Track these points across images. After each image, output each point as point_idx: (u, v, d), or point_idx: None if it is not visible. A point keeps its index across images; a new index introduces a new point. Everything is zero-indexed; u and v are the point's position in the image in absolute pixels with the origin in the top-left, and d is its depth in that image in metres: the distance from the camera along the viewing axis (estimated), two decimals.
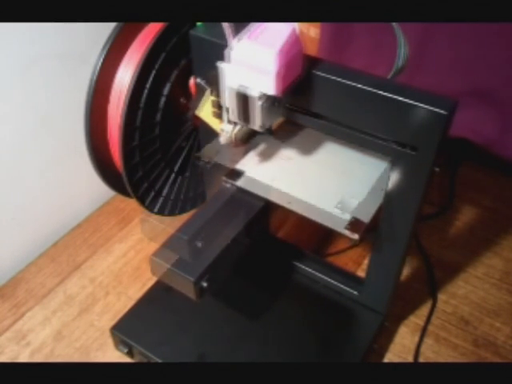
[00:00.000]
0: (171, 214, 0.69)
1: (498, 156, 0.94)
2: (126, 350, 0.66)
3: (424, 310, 0.75)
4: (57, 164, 0.83)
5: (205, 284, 0.54)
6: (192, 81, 0.61)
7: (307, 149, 0.60)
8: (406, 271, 0.78)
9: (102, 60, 0.57)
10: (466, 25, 0.80)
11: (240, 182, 0.58)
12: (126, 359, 0.68)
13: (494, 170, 0.97)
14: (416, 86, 0.48)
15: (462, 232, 0.87)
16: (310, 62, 0.50)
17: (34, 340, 0.72)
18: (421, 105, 0.46)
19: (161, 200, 0.67)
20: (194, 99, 0.62)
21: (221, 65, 0.48)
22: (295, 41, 0.47)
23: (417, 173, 0.51)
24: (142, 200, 0.65)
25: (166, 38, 0.57)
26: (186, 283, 0.53)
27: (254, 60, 0.46)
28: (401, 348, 0.70)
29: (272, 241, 0.79)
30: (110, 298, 0.77)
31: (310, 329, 0.66)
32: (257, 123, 0.50)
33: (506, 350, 0.70)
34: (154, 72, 0.57)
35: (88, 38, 0.76)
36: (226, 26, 0.47)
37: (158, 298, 0.69)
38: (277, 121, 0.52)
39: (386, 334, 0.71)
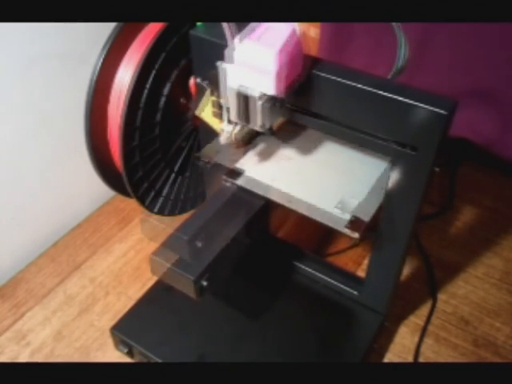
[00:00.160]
0: (171, 214, 0.69)
1: (498, 156, 0.94)
2: (125, 350, 0.66)
3: (424, 310, 0.75)
4: (57, 164, 0.83)
5: (205, 283, 0.54)
6: (192, 81, 0.61)
7: (307, 149, 0.60)
8: (406, 271, 0.78)
9: (101, 60, 0.57)
10: (466, 25, 0.80)
11: (240, 182, 0.58)
12: (126, 359, 0.68)
13: (494, 170, 0.97)
14: (416, 85, 0.48)
15: (461, 232, 0.87)
16: (310, 62, 0.50)
17: (34, 340, 0.72)
18: (421, 105, 0.46)
19: (161, 200, 0.67)
20: (194, 99, 0.62)
21: (223, 65, 0.48)
22: (295, 41, 0.47)
23: (417, 173, 0.51)
24: (142, 200, 0.65)
25: (166, 37, 0.57)
26: (186, 282, 0.53)
27: (255, 60, 0.46)
28: (401, 348, 0.70)
29: (272, 241, 0.79)
30: (110, 298, 0.77)
31: (310, 329, 0.66)
32: (257, 123, 0.50)
33: (506, 350, 0.70)
34: (154, 72, 0.58)
35: (88, 38, 0.76)
36: (225, 26, 0.47)
37: (158, 298, 0.69)
38: (277, 121, 0.52)
39: (386, 334, 0.71)
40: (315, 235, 0.85)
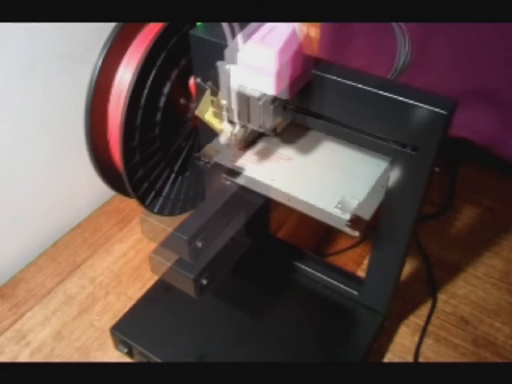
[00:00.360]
0: (171, 213, 0.69)
1: (498, 156, 0.94)
2: (125, 350, 0.66)
3: (424, 310, 0.75)
4: (57, 164, 0.83)
5: (204, 281, 0.54)
6: (192, 81, 0.61)
7: (307, 148, 0.60)
8: (406, 271, 0.78)
9: (101, 60, 0.57)
10: (466, 25, 0.80)
11: (240, 182, 0.58)
12: (126, 359, 0.68)
13: (494, 170, 0.96)
14: (416, 86, 0.48)
15: (461, 232, 0.87)
16: (311, 63, 0.50)
17: (34, 340, 0.72)
18: (421, 105, 0.46)
19: (161, 200, 0.67)
20: (194, 99, 0.62)
21: (226, 66, 0.48)
22: (296, 41, 0.47)
23: (417, 173, 0.51)
24: (142, 200, 0.65)
25: (166, 37, 0.57)
26: (185, 280, 0.53)
27: (256, 60, 0.46)
28: (401, 348, 0.70)
29: (272, 241, 0.79)
30: (110, 298, 0.77)
31: (310, 329, 0.66)
32: (257, 123, 0.50)
33: (506, 350, 0.70)
34: (154, 71, 0.57)
35: (88, 38, 0.76)
36: (225, 25, 0.47)
37: (157, 298, 0.69)
38: (281, 122, 0.52)
39: (386, 334, 0.71)
40: (315, 235, 0.85)
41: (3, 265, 0.80)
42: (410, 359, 0.69)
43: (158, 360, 0.63)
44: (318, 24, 0.49)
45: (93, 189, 0.89)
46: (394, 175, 0.53)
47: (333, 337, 0.65)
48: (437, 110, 0.46)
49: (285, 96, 0.49)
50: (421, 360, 0.69)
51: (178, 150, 0.67)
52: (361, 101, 0.49)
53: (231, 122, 0.53)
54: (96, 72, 0.57)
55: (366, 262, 0.80)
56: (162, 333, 0.65)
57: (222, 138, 0.55)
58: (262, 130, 0.51)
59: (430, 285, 0.78)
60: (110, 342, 0.69)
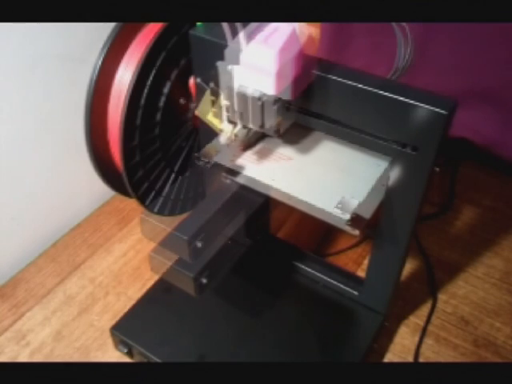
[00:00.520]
0: (171, 214, 0.69)
1: (498, 156, 0.94)
2: (125, 350, 0.66)
3: (424, 310, 0.75)
4: (57, 164, 0.83)
5: (204, 280, 0.54)
6: (192, 81, 0.61)
7: (307, 148, 0.60)
8: (406, 271, 0.78)
9: (101, 60, 0.57)
10: (467, 25, 0.80)
11: (239, 182, 0.58)
12: (126, 359, 0.68)
13: (494, 170, 0.96)
14: (416, 85, 0.48)
15: (461, 232, 0.87)
16: (312, 63, 0.50)
17: (34, 340, 0.72)
18: (421, 105, 0.46)
19: (161, 200, 0.67)
20: (194, 99, 0.62)
21: (229, 67, 0.48)
22: (296, 41, 0.47)
23: (417, 173, 0.51)
24: (142, 200, 0.65)
25: (166, 37, 0.57)
26: (185, 279, 0.53)
27: (257, 60, 0.46)
28: (401, 348, 0.70)
29: (272, 241, 0.79)
30: (110, 298, 0.77)
31: (310, 329, 0.66)
32: (257, 124, 0.50)
33: (506, 350, 0.70)
34: (154, 71, 0.57)
35: (88, 39, 0.76)
36: (225, 25, 0.47)
37: (157, 298, 0.69)
38: (279, 122, 0.52)
39: (386, 334, 0.71)
40: (315, 235, 0.85)
41: (3, 265, 0.80)
42: (410, 359, 0.69)
43: (158, 360, 0.63)
44: (318, 24, 0.49)
45: (93, 189, 0.89)
46: (394, 175, 0.53)
47: (333, 337, 0.65)
48: (437, 109, 0.46)
49: (287, 97, 0.49)
50: (421, 360, 0.69)
51: (178, 150, 0.67)
52: (361, 101, 0.49)
53: (231, 122, 0.53)
54: (96, 72, 0.57)
55: (366, 262, 0.80)
56: (161, 333, 0.65)
57: (222, 138, 0.55)
58: (263, 131, 0.51)
59: (430, 285, 0.78)
60: (109, 342, 0.69)
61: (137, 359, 0.66)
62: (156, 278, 0.73)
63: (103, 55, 0.56)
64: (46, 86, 0.75)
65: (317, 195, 0.54)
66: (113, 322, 0.67)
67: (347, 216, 0.51)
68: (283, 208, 0.55)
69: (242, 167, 0.57)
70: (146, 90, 0.58)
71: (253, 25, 0.47)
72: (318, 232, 0.85)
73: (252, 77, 0.47)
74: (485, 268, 0.81)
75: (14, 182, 0.77)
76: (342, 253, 0.83)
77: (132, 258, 0.83)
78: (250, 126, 0.51)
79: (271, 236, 0.80)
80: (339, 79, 0.49)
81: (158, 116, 0.61)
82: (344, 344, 0.65)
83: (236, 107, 0.50)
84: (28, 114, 0.75)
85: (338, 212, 0.52)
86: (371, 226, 0.54)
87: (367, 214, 0.52)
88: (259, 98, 0.48)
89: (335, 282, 0.70)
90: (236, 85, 0.48)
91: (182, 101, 0.63)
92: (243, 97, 0.49)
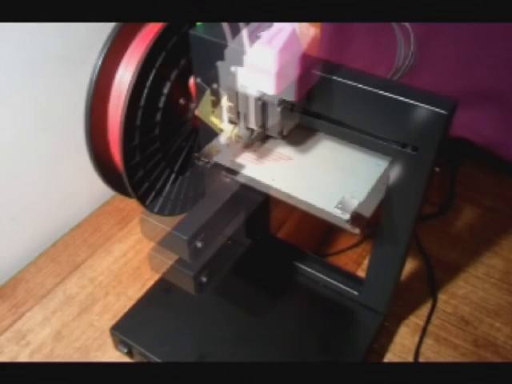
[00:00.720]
0: (171, 213, 0.69)
1: (498, 156, 0.94)
2: (125, 350, 0.66)
3: (424, 310, 0.75)
4: (57, 164, 0.83)
5: (204, 279, 0.54)
6: (192, 81, 0.61)
7: (307, 148, 0.60)
8: (406, 271, 0.78)
9: (101, 60, 0.57)
10: (467, 25, 0.80)
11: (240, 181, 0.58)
12: (126, 359, 0.68)
13: (494, 170, 0.96)
14: (416, 85, 0.48)
15: (462, 232, 0.87)
16: (315, 64, 0.50)
17: (34, 340, 0.72)
18: (421, 105, 0.46)
19: (161, 200, 0.67)
20: (193, 99, 0.62)
21: (232, 68, 0.48)
22: (296, 41, 0.47)
23: (417, 173, 0.51)
24: (142, 200, 0.65)
25: (166, 37, 0.57)
26: (185, 278, 0.53)
27: (258, 61, 0.46)
28: (401, 348, 0.70)
29: (272, 241, 0.79)
30: (110, 298, 0.77)
31: (310, 329, 0.66)
32: (257, 124, 0.50)
33: (506, 350, 0.70)
34: (154, 71, 0.57)
35: (88, 39, 0.76)
36: (225, 25, 0.47)
37: (157, 298, 0.69)
38: (276, 121, 0.52)
39: (386, 334, 0.71)
40: (315, 235, 0.85)
41: (3, 265, 0.80)
42: (410, 359, 0.69)
43: (158, 360, 0.63)
44: (318, 24, 0.49)
45: (93, 189, 0.89)
46: (394, 175, 0.53)
47: (333, 337, 0.65)
48: (437, 109, 0.46)
49: (292, 98, 0.49)
50: (421, 360, 0.69)
51: (178, 150, 0.67)
52: (361, 101, 0.49)
53: (232, 122, 0.53)
54: (96, 72, 0.57)
55: (366, 262, 0.80)
56: (161, 333, 0.65)
57: (223, 138, 0.54)
58: (268, 133, 0.51)
59: (430, 285, 0.78)
60: (109, 342, 0.69)
61: (137, 359, 0.66)
62: (156, 278, 0.73)
63: (103, 55, 0.57)
64: (46, 87, 0.75)
65: (317, 195, 0.54)
66: (113, 322, 0.67)
67: (347, 216, 0.51)
68: (283, 208, 0.55)
69: (242, 167, 0.57)
70: (145, 91, 0.58)
71: (253, 25, 0.47)
72: (318, 232, 0.85)
73: (254, 77, 0.47)
74: (485, 268, 0.81)
75: (13, 182, 0.77)
76: (342, 253, 0.83)
77: (132, 257, 0.83)
78: (252, 126, 0.51)
79: (271, 236, 0.80)
80: (341, 80, 0.49)
81: (158, 116, 0.61)
82: (344, 344, 0.65)
83: (238, 108, 0.50)
84: (28, 115, 0.75)
85: (338, 212, 0.52)
86: (371, 224, 0.54)
87: (367, 212, 0.52)
88: (259, 98, 0.48)
89: (335, 282, 0.70)
90: (238, 86, 0.48)
91: (181, 101, 0.63)
92: (245, 97, 0.49)
